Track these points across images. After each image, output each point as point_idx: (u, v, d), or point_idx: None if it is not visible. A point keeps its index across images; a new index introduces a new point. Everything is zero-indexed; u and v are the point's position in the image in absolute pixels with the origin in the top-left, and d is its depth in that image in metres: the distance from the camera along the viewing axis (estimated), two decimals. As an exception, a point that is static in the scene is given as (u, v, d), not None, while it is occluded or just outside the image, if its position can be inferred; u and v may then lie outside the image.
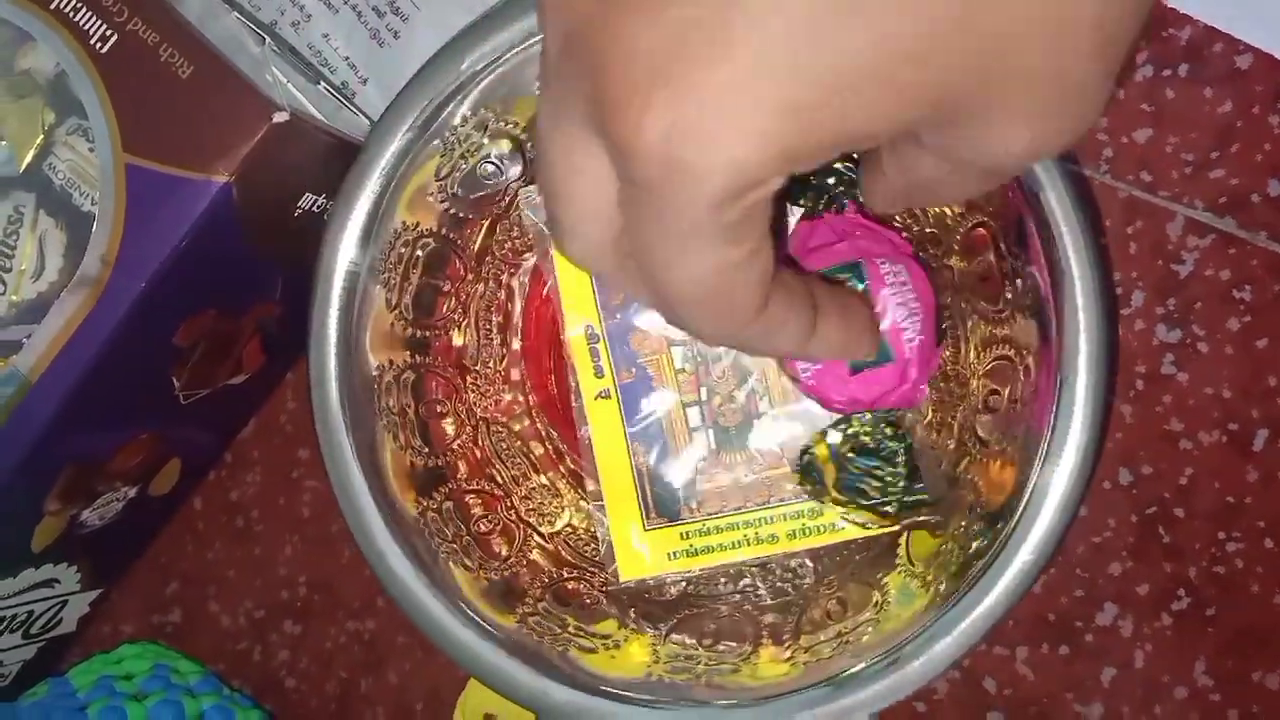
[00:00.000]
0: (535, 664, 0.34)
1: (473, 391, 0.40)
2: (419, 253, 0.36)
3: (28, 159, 0.36)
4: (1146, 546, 0.40)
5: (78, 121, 0.35)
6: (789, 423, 0.38)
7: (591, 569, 0.39)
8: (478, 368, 0.40)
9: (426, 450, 0.37)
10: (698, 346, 0.39)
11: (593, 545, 0.39)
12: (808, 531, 0.38)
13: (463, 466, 0.38)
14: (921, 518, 0.35)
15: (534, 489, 0.40)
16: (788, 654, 0.35)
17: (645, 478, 0.39)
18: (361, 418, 0.35)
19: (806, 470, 0.36)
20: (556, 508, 0.40)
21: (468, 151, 0.35)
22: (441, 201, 0.36)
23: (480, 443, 0.39)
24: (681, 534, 0.38)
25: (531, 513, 0.40)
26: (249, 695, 0.47)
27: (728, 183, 0.19)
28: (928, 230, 0.36)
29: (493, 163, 0.36)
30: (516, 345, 0.41)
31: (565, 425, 0.41)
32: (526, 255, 0.40)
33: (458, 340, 0.39)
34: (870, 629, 0.34)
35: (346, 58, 0.42)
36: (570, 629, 0.36)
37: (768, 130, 0.18)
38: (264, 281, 0.40)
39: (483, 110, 0.34)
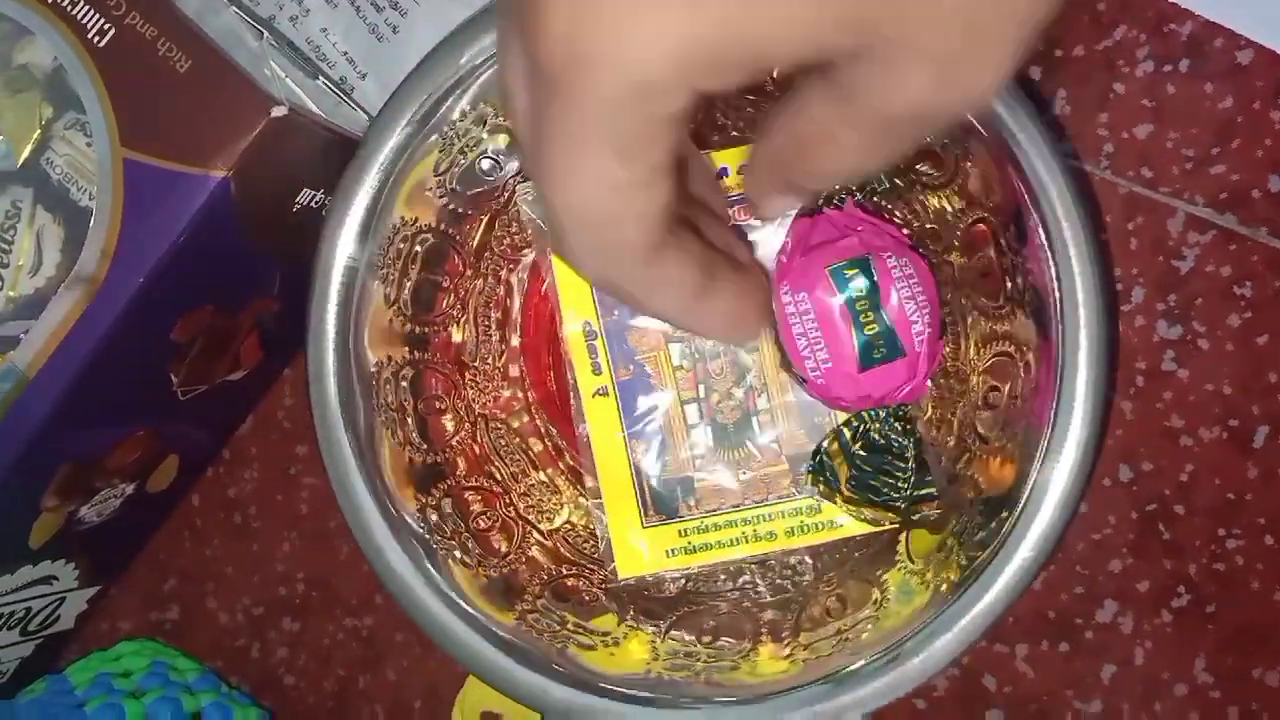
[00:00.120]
0: (534, 661, 0.34)
1: (471, 388, 0.39)
2: (417, 248, 0.36)
3: (25, 153, 0.36)
4: (1147, 543, 0.40)
5: (75, 116, 0.35)
6: (787, 419, 0.38)
7: (590, 566, 0.39)
8: (476, 364, 0.40)
9: (425, 447, 0.37)
10: (696, 343, 0.39)
11: (592, 542, 0.39)
12: (806, 528, 0.38)
13: (462, 463, 0.38)
14: (926, 514, 0.35)
15: (533, 486, 0.40)
16: (787, 651, 0.35)
17: (643, 475, 0.39)
18: (360, 414, 0.35)
19: (819, 469, 0.36)
20: (555, 505, 0.40)
21: (466, 146, 0.35)
22: (440, 197, 0.36)
23: (479, 439, 0.39)
24: (680, 531, 0.38)
25: (530, 509, 0.39)
26: (247, 692, 0.47)
27: (626, 79, 0.19)
28: (928, 226, 0.36)
29: (491, 158, 0.36)
30: (515, 341, 0.41)
31: (564, 422, 0.40)
32: (525, 251, 0.40)
33: (456, 336, 0.39)
34: (870, 626, 0.34)
35: (345, 52, 0.42)
36: (569, 626, 0.36)
37: (672, 30, 0.18)
38: (262, 277, 0.40)
39: (481, 105, 0.34)
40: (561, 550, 0.39)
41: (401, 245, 0.35)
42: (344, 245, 0.34)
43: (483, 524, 0.38)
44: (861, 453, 0.35)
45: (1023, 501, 0.31)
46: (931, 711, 0.42)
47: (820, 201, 0.35)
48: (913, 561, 0.35)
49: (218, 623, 0.48)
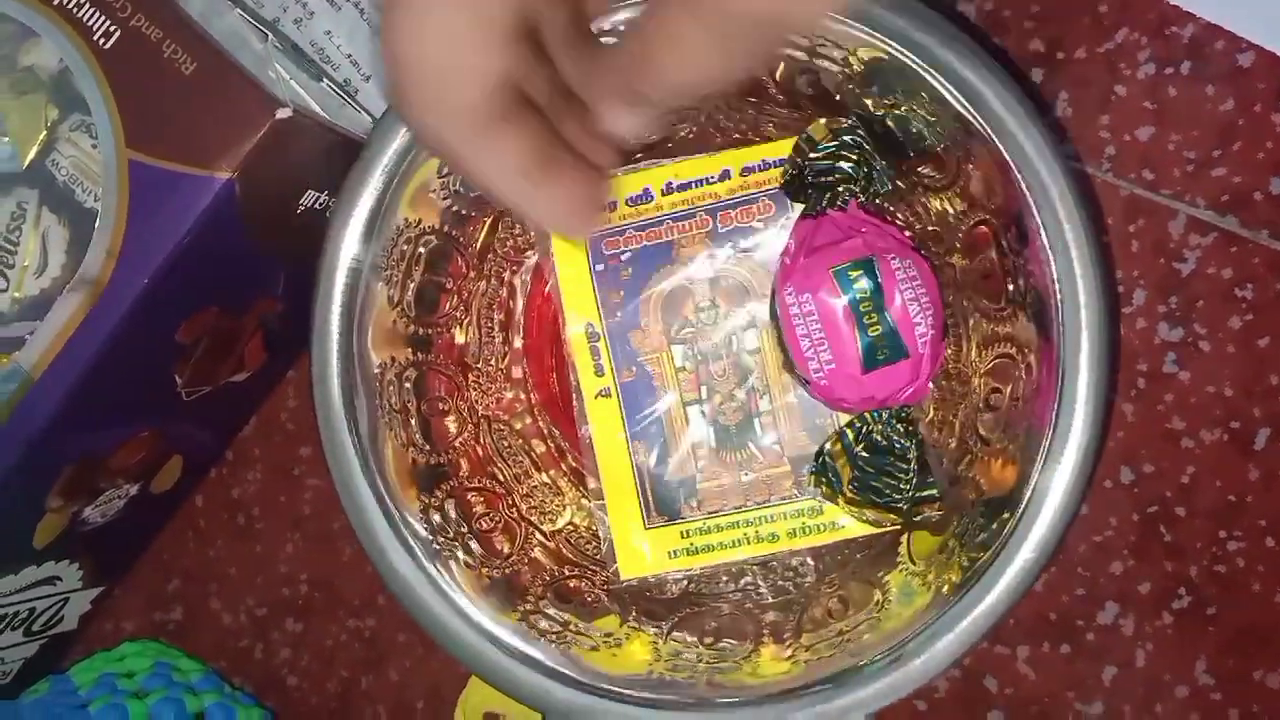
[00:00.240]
0: (536, 662, 0.34)
1: (474, 389, 0.40)
2: (421, 250, 0.36)
3: (31, 155, 0.36)
4: (1148, 545, 0.40)
5: (81, 118, 0.35)
6: (789, 421, 0.38)
7: (593, 567, 0.39)
8: (479, 365, 0.40)
9: (428, 448, 0.37)
10: (699, 346, 0.39)
11: (594, 543, 0.40)
12: (808, 530, 0.38)
13: (464, 464, 0.38)
14: (928, 515, 0.35)
15: (535, 487, 0.40)
16: (789, 652, 0.35)
17: (646, 476, 0.39)
18: (363, 415, 0.35)
19: (822, 471, 0.37)
20: (558, 506, 0.41)
21: (470, 149, 0.35)
22: (444, 198, 0.36)
23: (482, 440, 0.39)
24: (682, 533, 0.38)
25: (533, 511, 0.40)
26: (250, 693, 0.47)
27: None
28: (930, 228, 0.36)
29: (495, 160, 0.36)
30: (518, 343, 0.41)
31: (567, 423, 0.41)
32: (528, 253, 0.40)
33: (460, 338, 0.39)
34: (871, 627, 0.34)
35: (349, 55, 0.42)
36: (571, 627, 0.36)
37: None
38: (266, 278, 0.40)
39: (485, 107, 0.34)
40: (564, 551, 0.39)
41: (405, 247, 0.35)
42: (348, 246, 0.34)
43: (485, 525, 0.38)
44: (864, 454, 0.35)
45: (1024, 503, 0.31)
46: (933, 713, 0.42)
47: (824, 204, 0.36)
48: (914, 563, 0.35)
49: (221, 623, 0.48)
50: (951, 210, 0.35)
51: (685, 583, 0.39)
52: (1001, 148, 0.31)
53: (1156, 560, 0.40)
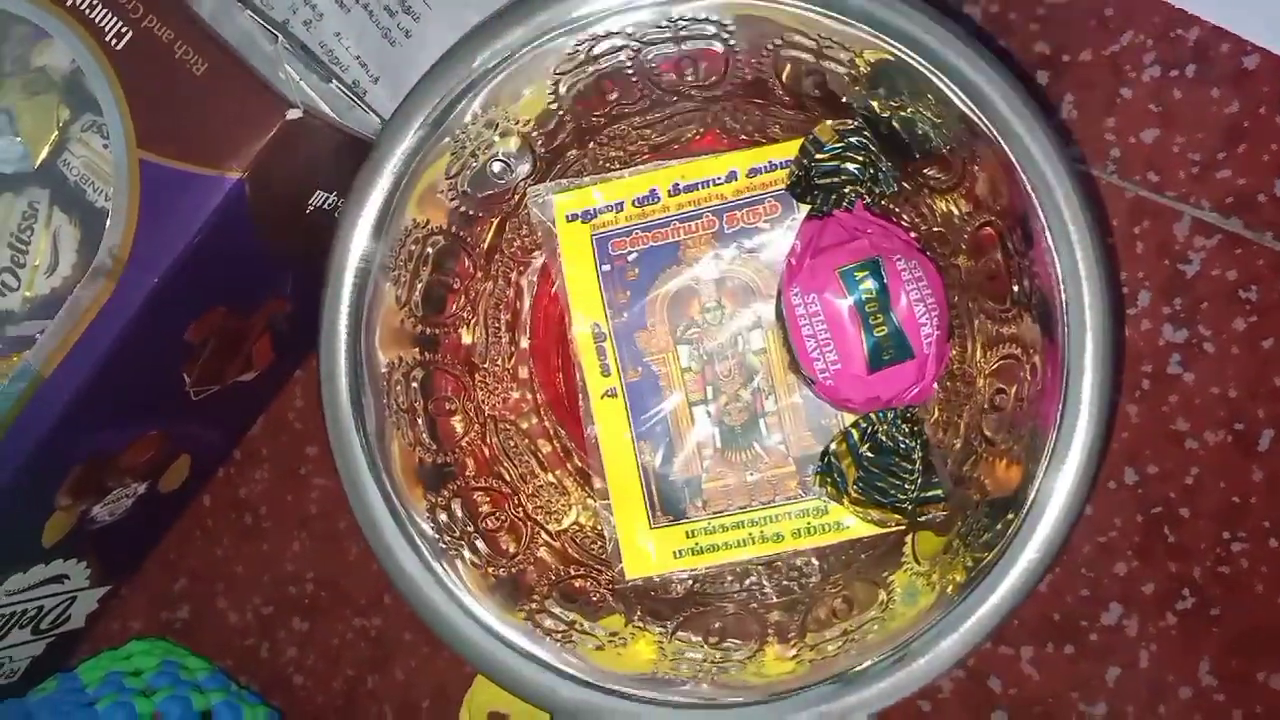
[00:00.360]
0: (541, 661, 0.34)
1: (481, 389, 0.40)
2: (429, 250, 0.36)
3: (42, 155, 0.36)
4: (1152, 546, 0.40)
5: (92, 118, 0.35)
6: (794, 421, 0.39)
7: (598, 567, 0.39)
8: (486, 365, 0.40)
9: (435, 447, 0.37)
10: (704, 346, 0.39)
11: (600, 543, 0.40)
12: (813, 530, 0.38)
13: (471, 464, 0.38)
14: (932, 515, 0.35)
15: (541, 486, 0.40)
16: (793, 652, 0.35)
17: (651, 476, 0.39)
18: (370, 415, 0.35)
19: (827, 471, 0.37)
20: (564, 505, 0.41)
21: (478, 149, 0.35)
22: (451, 199, 0.36)
23: (488, 440, 0.39)
24: (687, 532, 0.39)
25: (539, 510, 0.40)
26: (256, 692, 0.47)
27: None
28: (935, 229, 0.36)
29: (502, 161, 0.37)
30: (525, 343, 0.41)
31: (573, 423, 0.41)
32: (535, 253, 0.40)
33: (467, 338, 0.39)
34: (876, 627, 0.34)
35: (358, 56, 0.42)
36: (577, 626, 0.36)
37: None
38: (275, 278, 0.40)
39: (493, 108, 0.34)
40: (569, 551, 0.39)
41: (413, 247, 0.36)
42: (356, 247, 0.34)
43: (491, 524, 0.38)
44: (869, 454, 0.35)
45: (1028, 504, 0.31)
46: (937, 713, 0.42)
47: (830, 204, 0.36)
48: (919, 563, 0.35)
49: (228, 622, 0.48)
50: (957, 211, 0.35)
51: (690, 582, 0.39)
52: (1007, 149, 0.31)
53: (1160, 561, 0.40)
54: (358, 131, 0.37)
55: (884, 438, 0.35)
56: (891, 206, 0.37)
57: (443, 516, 0.36)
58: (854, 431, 0.36)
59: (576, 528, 0.40)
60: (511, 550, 0.38)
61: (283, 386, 0.47)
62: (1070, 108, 0.40)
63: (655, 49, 0.34)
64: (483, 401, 0.40)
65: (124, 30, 0.35)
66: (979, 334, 0.35)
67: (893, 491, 0.35)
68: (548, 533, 0.39)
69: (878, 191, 0.35)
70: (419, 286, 0.36)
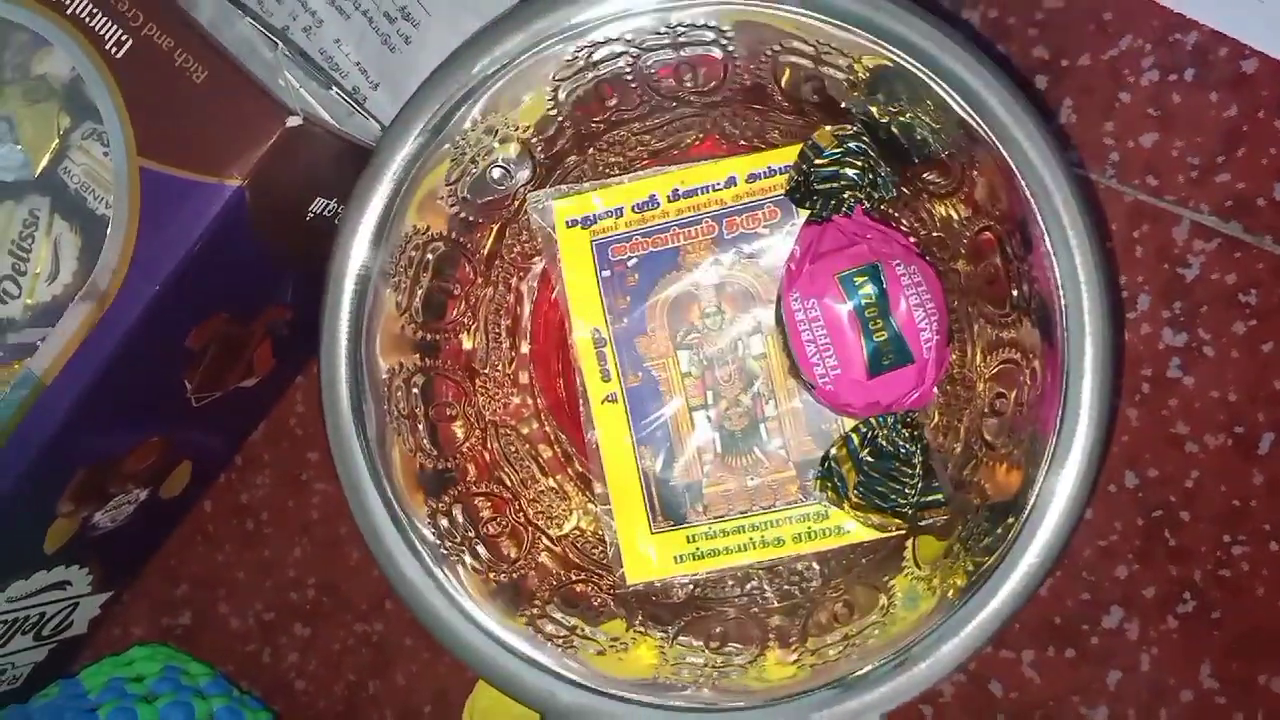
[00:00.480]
0: (542, 666, 0.34)
1: (482, 394, 0.40)
2: (429, 256, 0.36)
3: (43, 163, 0.36)
4: (1152, 549, 0.40)
5: (93, 126, 0.36)
6: (794, 426, 0.39)
7: (599, 571, 0.39)
8: (487, 371, 0.40)
9: (436, 453, 0.37)
10: (704, 350, 0.39)
11: (600, 548, 0.40)
12: (814, 534, 0.38)
13: (472, 469, 0.38)
14: (933, 520, 0.35)
15: (542, 492, 0.40)
16: (794, 656, 0.35)
17: (652, 481, 0.39)
18: (371, 420, 0.35)
19: (827, 476, 0.37)
20: (565, 510, 0.41)
21: (477, 156, 0.35)
22: (451, 205, 0.36)
23: (489, 445, 0.40)
24: (688, 537, 0.39)
25: (540, 515, 0.40)
26: (258, 697, 0.47)
27: None
28: (934, 234, 0.36)
29: (502, 167, 0.37)
30: (525, 349, 0.41)
31: (573, 428, 0.41)
32: (535, 259, 0.40)
33: (467, 344, 0.39)
34: (877, 632, 0.34)
35: (358, 63, 0.42)
36: (578, 631, 0.36)
37: None
38: (275, 285, 0.40)
39: (493, 114, 0.34)
40: (570, 556, 0.39)
41: (413, 253, 0.36)
42: (356, 253, 0.34)
43: (492, 530, 0.38)
44: (869, 459, 0.35)
45: (1029, 508, 0.31)
46: (938, 717, 0.42)
47: (829, 210, 0.36)
48: (919, 567, 0.35)
49: (229, 628, 0.48)
50: (956, 216, 0.35)
51: (691, 587, 0.39)
52: (1006, 154, 0.31)
53: (1161, 564, 0.40)
54: (358, 138, 0.37)
55: (884, 442, 0.35)
56: (891, 211, 0.37)
57: (444, 522, 0.36)
58: (854, 436, 0.36)
59: (577, 533, 0.40)
60: (512, 555, 0.38)
61: (284, 392, 0.47)
62: (1069, 112, 0.40)
63: (654, 55, 0.35)
64: (483, 407, 0.40)
65: (124, 38, 0.35)
66: (979, 338, 0.35)
67: (893, 496, 0.35)
68: (549, 538, 0.39)
69: (877, 197, 0.35)
70: (419, 292, 0.36)
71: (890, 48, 0.31)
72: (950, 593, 0.33)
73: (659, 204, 0.38)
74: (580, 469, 0.41)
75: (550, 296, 0.41)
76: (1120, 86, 0.40)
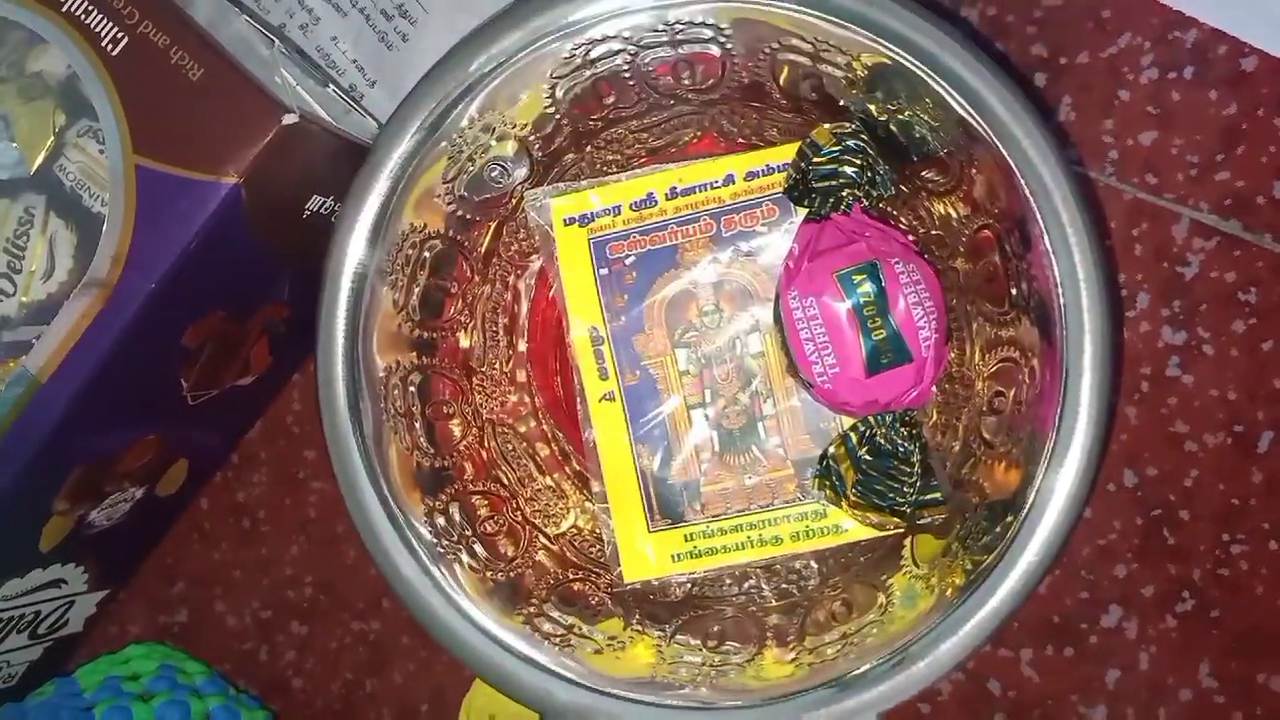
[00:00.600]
0: (540, 664, 0.34)
1: (479, 393, 0.40)
2: (426, 254, 0.36)
3: (38, 161, 0.36)
4: (1151, 548, 0.40)
5: (88, 123, 0.35)
6: (792, 424, 0.39)
7: (596, 570, 0.39)
8: (484, 369, 0.40)
9: (433, 451, 0.37)
10: (702, 349, 0.39)
11: (598, 547, 0.40)
12: (812, 533, 0.38)
13: (469, 467, 0.38)
14: (931, 518, 0.35)
15: (540, 490, 0.40)
16: (792, 655, 0.35)
17: (649, 480, 0.39)
18: (368, 419, 0.35)
19: (825, 474, 0.37)
20: (562, 509, 0.41)
21: (475, 154, 0.35)
22: (448, 203, 0.36)
23: (486, 444, 0.39)
24: (685, 536, 0.38)
25: (537, 514, 0.40)
26: (255, 695, 0.47)
27: None
28: (933, 232, 0.36)
29: (499, 165, 0.37)
30: (522, 347, 0.41)
31: (571, 427, 0.41)
32: (532, 257, 0.40)
33: (464, 342, 0.39)
34: (875, 630, 0.34)
35: (354, 60, 0.42)
36: (575, 630, 0.36)
37: None
38: (272, 283, 0.40)
39: (490, 112, 0.34)
40: (568, 554, 0.39)
41: (410, 251, 0.35)
42: (353, 251, 0.34)
43: (489, 528, 0.38)
44: (867, 458, 0.35)
45: (1027, 506, 0.31)
46: (936, 715, 0.42)
47: (828, 207, 0.36)
48: (918, 566, 0.35)
49: (226, 626, 0.48)
50: (955, 214, 0.35)
51: (689, 586, 0.39)
52: (1004, 152, 0.31)
53: (1160, 563, 0.40)
54: (354, 136, 0.37)
55: (882, 441, 0.35)
56: (889, 209, 0.37)
57: (440, 520, 0.36)
58: (852, 435, 0.36)
59: (575, 531, 0.40)
60: (510, 554, 0.38)
61: (280, 390, 0.47)
62: (1068, 110, 0.40)
63: (652, 53, 0.34)
64: (480, 405, 0.40)
65: (120, 35, 0.35)
66: (977, 337, 0.35)
67: (891, 495, 0.35)
68: (546, 536, 0.39)
69: (875, 195, 0.35)
70: (416, 291, 0.36)
71: (889, 45, 0.31)
72: (949, 591, 0.33)
73: (657, 202, 0.38)
74: (578, 467, 0.41)
75: (548, 294, 0.40)
76: (1119, 84, 0.40)
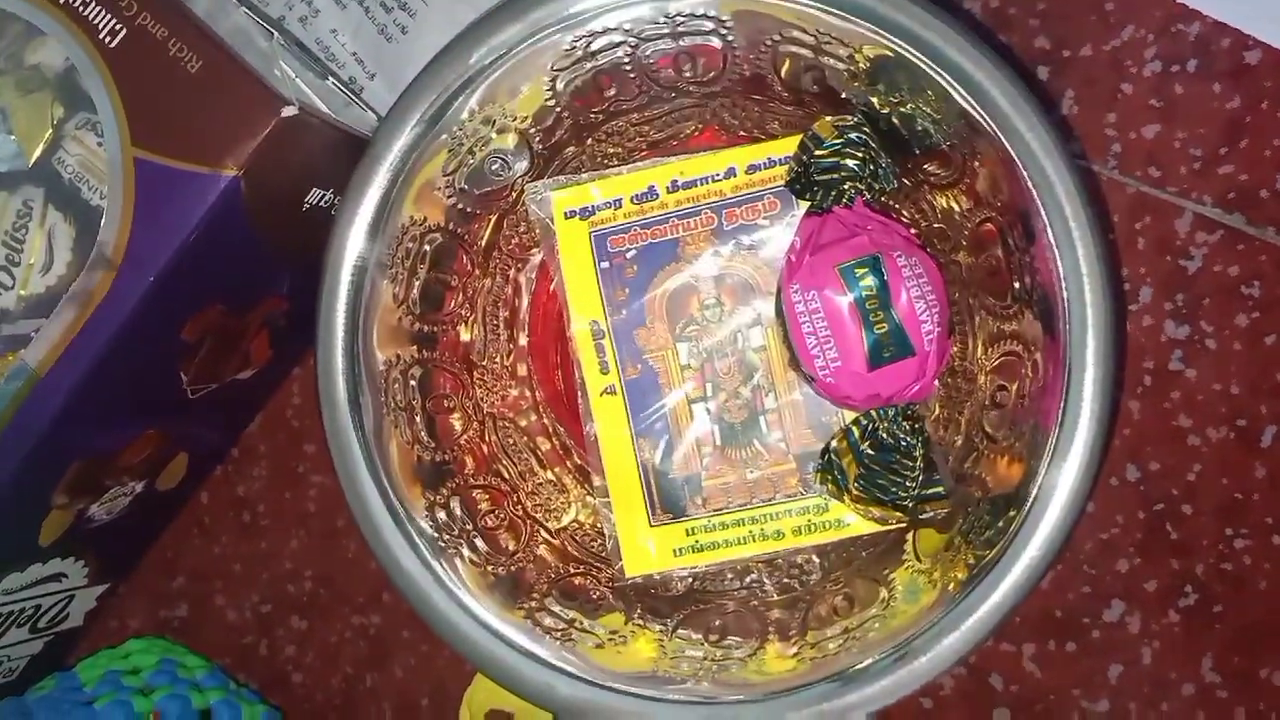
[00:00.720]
0: (541, 659, 0.34)
1: (480, 387, 0.40)
2: (426, 248, 0.36)
3: (37, 153, 0.36)
4: (1154, 543, 0.40)
5: (87, 116, 0.35)
6: (794, 418, 0.38)
7: (598, 564, 0.39)
8: (484, 363, 0.40)
9: (433, 445, 0.37)
10: (704, 343, 0.39)
11: (599, 541, 0.40)
12: (813, 527, 0.38)
13: (470, 461, 0.38)
14: (933, 513, 0.35)
15: (540, 484, 0.40)
16: (794, 650, 0.35)
17: (651, 474, 0.39)
18: (368, 412, 0.35)
19: (827, 468, 0.36)
20: (563, 503, 0.41)
21: (475, 146, 0.35)
22: (449, 196, 0.36)
23: (487, 438, 0.39)
24: (687, 530, 0.38)
25: (538, 508, 0.40)
26: (255, 690, 0.47)
27: None
28: (935, 225, 0.36)
29: (499, 157, 0.36)
30: (523, 340, 0.41)
31: (572, 421, 0.41)
32: (533, 250, 0.40)
33: (465, 335, 0.39)
34: (877, 625, 0.34)
35: (354, 53, 0.42)
36: (576, 624, 0.36)
37: None
38: (271, 276, 0.40)
39: (490, 105, 0.34)
40: (569, 549, 0.39)
41: (410, 244, 0.35)
42: (353, 244, 0.34)
43: (490, 522, 0.38)
44: (870, 452, 0.35)
45: (1030, 501, 0.31)
46: (938, 710, 0.42)
47: (829, 200, 0.35)
48: (920, 560, 0.35)
49: (226, 620, 0.48)
50: (957, 208, 0.35)
51: (690, 580, 0.39)
52: (1007, 145, 0.31)
53: (1163, 558, 0.40)
54: (354, 129, 0.37)
55: (885, 435, 0.35)
56: (891, 203, 0.37)
57: (441, 514, 0.36)
58: (855, 429, 0.36)
59: (576, 525, 0.40)
60: (511, 548, 0.38)
61: (280, 384, 0.47)
62: (1071, 103, 0.40)
63: (653, 45, 0.34)
64: (481, 399, 0.40)
65: (118, 27, 0.35)
66: (980, 330, 0.35)
67: (894, 489, 0.35)
68: (547, 530, 0.39)
69: (877, 188, 0.35)
70: (416, 284, 0.36)
71: (891, 38, 0.31)
72: (951, 586, 0.32)
73: (658, 195, 0.38)
74: (579, 461, 0.41)
75: (549, 288, 0.40)
76: (1122, 77, 0.40)
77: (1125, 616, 0.40)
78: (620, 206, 0.38)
